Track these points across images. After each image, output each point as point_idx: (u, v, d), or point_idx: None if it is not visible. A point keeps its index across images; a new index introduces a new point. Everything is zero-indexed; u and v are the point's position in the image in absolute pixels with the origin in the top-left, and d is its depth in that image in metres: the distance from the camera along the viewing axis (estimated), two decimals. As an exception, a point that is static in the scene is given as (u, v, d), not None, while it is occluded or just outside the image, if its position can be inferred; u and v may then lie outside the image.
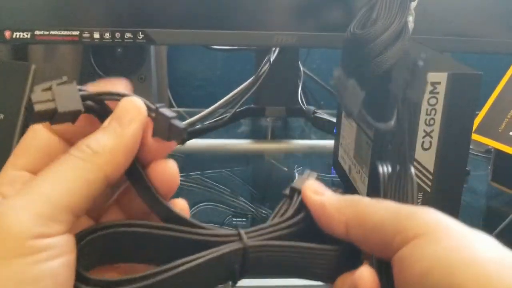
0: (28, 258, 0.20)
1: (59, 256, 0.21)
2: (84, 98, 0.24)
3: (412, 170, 0.29)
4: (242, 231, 0.26)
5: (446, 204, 0.50)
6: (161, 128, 0.25)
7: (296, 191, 0.29)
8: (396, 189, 0.29)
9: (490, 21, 0.68)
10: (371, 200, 0.27)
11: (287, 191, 0.30)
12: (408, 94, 0.26)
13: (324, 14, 0.66)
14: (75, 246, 0.23)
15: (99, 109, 0.25)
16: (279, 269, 0.27)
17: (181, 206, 0.28)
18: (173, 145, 0.26)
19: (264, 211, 0.59)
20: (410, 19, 0.49)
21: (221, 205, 0.64)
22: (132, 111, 0.24)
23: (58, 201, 0.22)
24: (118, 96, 0.25)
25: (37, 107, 0.22)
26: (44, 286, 0.21)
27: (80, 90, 0.24)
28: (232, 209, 0.62)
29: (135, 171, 0.26)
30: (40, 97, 0.22)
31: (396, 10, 0.48)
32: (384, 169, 0.30)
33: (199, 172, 0.69)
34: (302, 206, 0.29)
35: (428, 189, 0.50)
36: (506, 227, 0.53)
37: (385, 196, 0.29)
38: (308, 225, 0.28)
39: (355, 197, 0.28)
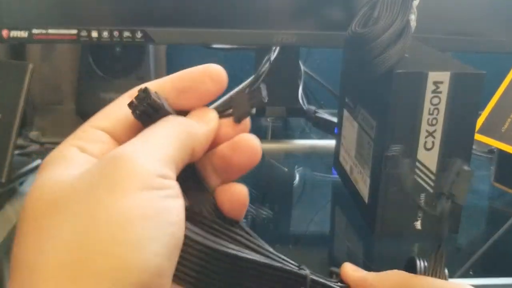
0: (155, 192, 0.22)
1: (177, 197, 0.23)
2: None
3: (446, 272, 0.31)
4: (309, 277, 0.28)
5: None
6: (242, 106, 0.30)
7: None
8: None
9: (493, 20, 0.68)
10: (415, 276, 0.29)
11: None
12: (453, 190, 0.30)
13: (325, 13, 0.65)
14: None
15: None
16: None
17: (239, 190, 0.28)
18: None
19: (264, 211, 0.59)
20: (412, 17, 0.48)
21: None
22: (210, 115, 0.28)
23: (170, 152, 0.24)
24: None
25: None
26: (163, 220, 0.22)
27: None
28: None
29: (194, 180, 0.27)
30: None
31: (398, 9, 0.48)
32: (421, 264, 0.32)
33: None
34: None
35: (430, 190, 0.49)
36: (509, 228, 0.53)
37: None
38: None
39: (396, 271, 0.30)
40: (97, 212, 0.21)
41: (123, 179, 0.21)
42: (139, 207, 0.21)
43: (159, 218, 0.21)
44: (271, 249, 0.28)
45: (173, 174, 0.23)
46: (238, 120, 0.29)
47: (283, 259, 0.28)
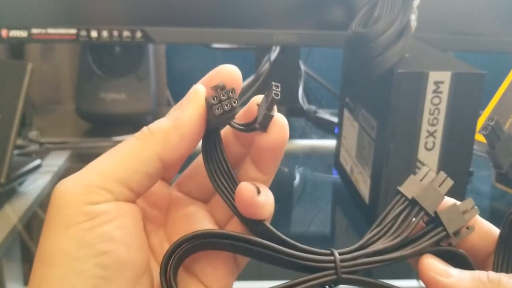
0: (83, 224, 0.23)
1: (113, 220, 0.23)
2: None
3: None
4: (337, 258, 0.26)
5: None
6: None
7: (418, 206, 0.27)
8: None
9: (494, 20, 0.68)
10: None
11: (408, 197, 0.27)
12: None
13: (325, 12, 0.65)
14: (133, 210, 0.25)
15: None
16: None
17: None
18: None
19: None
20: (413, 17, 0.48)
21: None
22: (190, 97, 0.26)
23: (109, 173, 0.24)
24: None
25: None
26: (101, 248, 0.23)
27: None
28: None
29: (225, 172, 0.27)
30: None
31: (399, 9, 0.47)
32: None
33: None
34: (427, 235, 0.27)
35: (431, 190, 0.49)
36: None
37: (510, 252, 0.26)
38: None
39: (495, 276, 0.24)
40: (37, 252, 0.23)
41: (50, 219, 0.23)
42: (62, 247, 0.23)
43: (96, 247, 0.23)
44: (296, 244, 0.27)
45: (109, 195, 0.24)
46: (264, 129, 0.28)
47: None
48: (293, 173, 0.72)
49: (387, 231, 0.27)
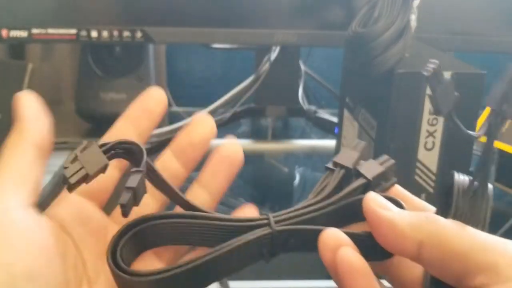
0: None
1: None
2: (106, 152, 0.27)
3: (491, 189, 0.26)
4: (271, 216, 0.27)
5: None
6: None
7: (339, 167, 0.29)
8: (469, 207, 0.25)
9: (494, 20, 0.68)
10: (452, 222, 0.24)
11: (329, 165, 0.29)
12: (505, 108, 0.24)
13: (325, 12, 0.65)
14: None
15: (123, 153, 0.28)
16: (308, 247, 0.27)
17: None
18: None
19: (264, 212, 0.59)
20: (413, 17, 0.48)
21: (221, 206, 0.63)
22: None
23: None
24: (130, 145, 0.27)
25: (72, 180, 0.25)
26: None
27: (101, 146, 0.27)
28: (232, 210, 0.62)
29: (152, 170, 0.28)
30: (71, 171, 0.25)
31: (399, 9, 0.47)
32: (461, 179, 0.27)
33: (199, 173, 0.68)
34: (342, 183, 0.28)
35: (431, 190, 0.49)
36: (510, 228, 0.53)
37: (456, 211, 0.25)
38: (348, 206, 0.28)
39: (431, 215, 0.25)
40: None
41: None
42: None
43: None
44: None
45: None
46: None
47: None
48: (293, 173, 0.72)
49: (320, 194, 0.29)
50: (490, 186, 0.26)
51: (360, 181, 0.28)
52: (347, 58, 0.60)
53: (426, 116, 0.48)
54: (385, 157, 0.30)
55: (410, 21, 0.48)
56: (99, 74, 0.76)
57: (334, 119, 0.73)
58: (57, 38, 0.62)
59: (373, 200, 0.26)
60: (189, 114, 0.78)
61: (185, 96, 0.93)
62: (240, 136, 0.82)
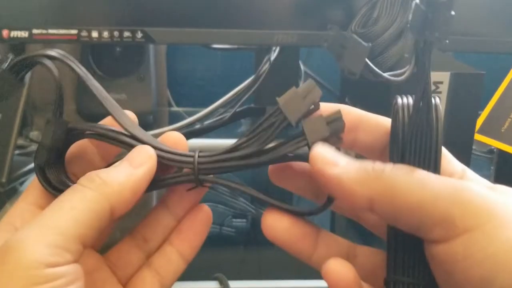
0: (43, 286, 0.21)
1: (71, 284, 0.22)
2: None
3: (437, 100, 0.24)
4: (196, 159, 0.27)
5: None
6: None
7: (282, 116, 0.26)
8: (417, 131, 0.24)
9: (493, 20, 0.68)
10: (401, 172, 0.22)
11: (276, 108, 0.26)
12: (427, 35, 0.24)
13: (325, 13, 0.65)
14: (83, 274, 0.23)
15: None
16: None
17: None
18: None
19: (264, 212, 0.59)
20: (412, 17, 0.48)
21: (221, 206, 0.63)
22: (143, 156, 0.26)
23: (68, 231, 0.22)
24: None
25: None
26: None
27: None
28: (232, 209, 0.62)
29: None
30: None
31: (398, 9, 0.48)
32: (404, 101, 0.25)
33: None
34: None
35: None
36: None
37: (404, 140, 0.24)
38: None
39: (380, 166, 0.23)
40: None
41: (8, 277, 0.21)
42: None
43: None
44: None
45: (69, 256, 0.22)
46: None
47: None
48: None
49: (256, 140, 0.27)
50: (436, 102, 0.24)
51: (301, 142, 0.26)
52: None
53: (426, 116, 0.48)
54: (336, 111, 0.26)
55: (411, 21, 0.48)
56: (100, 74, 0.76)
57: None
58: (57, 38, 0.62)
59: (319, 156, 0.24)
60: (189, 114, 0.79)
61: (185, 96, 0.93)
62: (240, 136, 0.82)
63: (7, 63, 0.26)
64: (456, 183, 0.22)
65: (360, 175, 0.23)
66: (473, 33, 0.68)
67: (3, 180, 0.57)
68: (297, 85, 0.26)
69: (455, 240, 0.20)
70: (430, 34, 0.23)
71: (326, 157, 0.24)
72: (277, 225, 0.27)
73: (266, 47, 0.75)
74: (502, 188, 0.23)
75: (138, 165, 0.25)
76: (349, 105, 0.61)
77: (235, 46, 0.79)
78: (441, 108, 0.47)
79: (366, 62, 0.25)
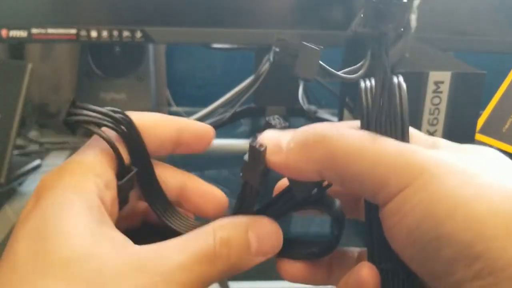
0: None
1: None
2: None
3: (400, 79, 0.24)
4: None
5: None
6: None
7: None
8: (381, 112, 0.23)
9: (493, 20, 0.68)
10: (342, 140, 0.22)
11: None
12: (382, 27, 0.23)
13: (325, 12, 0.65)
14: None
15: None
16: None
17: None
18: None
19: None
20: (413, 17, 0.48)
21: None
22: (273, 242, 0.26)
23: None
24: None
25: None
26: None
27: None
28: (232, 209, 0.62)
29: (148, 173, 0.26)
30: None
31: (398, 9, 0.47)
32: (367, 83, 0.25)
33: (198, 172, 0.68)
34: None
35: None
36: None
37: (369, 121, 0.23)
38: None
39: (320, 135, 0.22)
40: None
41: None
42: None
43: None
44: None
45: None
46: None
47: None
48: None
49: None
50: (399, 80, 0.24)
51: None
52: (347, 59, 0.60)
53: (427, 116, 0.48)
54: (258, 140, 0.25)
55: (410, 21, 0.48)
56: (99, 74, 0.76)
57: (334, 119, 0.73)
58: (57, 38, 0.62)
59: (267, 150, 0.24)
60: (189, 114, 0.78)
61: (185, 96, 0.93)
62: (240, 136, 0.82)
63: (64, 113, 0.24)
64: (397, 147, 0.22)
65: (304, 150, 0.23)
66: (473, 33, 0.68)
67: (2, 180, 0.57)
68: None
69: (391, 201, 0.21)
70: (384, 26, 0.22)
71: (271, 145, 0.24)
72: (293, 270, 0.27)
73: (266, 46, 0.75)
74: (446, 144, 0.23)
75: (262, 253, 0.25)
76: (349, 105, 0.61)
77: (235, 46, 0.79)
78: (442, 108, 0.47)
79: (320, 65, 0.25)
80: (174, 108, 0.88)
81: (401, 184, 0.20)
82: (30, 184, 0.63)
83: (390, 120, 0.23)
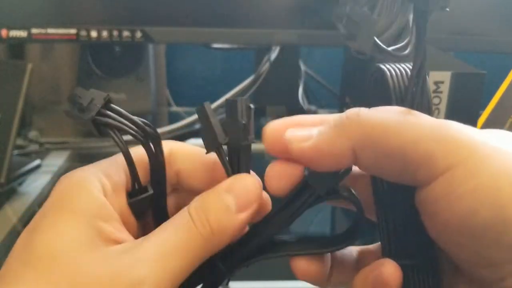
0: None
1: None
2: None
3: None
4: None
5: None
6: None
7: None
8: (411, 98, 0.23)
9: (493, 20, 0.68)
10: (380, 115, 0.21)
11: None
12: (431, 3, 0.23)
13: (325, 12, 0.65)
14: None
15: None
16: None
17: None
18: None
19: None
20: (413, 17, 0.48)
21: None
22: (252, 194, 0.24)
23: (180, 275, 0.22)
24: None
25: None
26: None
27: None
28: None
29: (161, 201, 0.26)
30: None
31: (398, 9, 0.47)
32: (391, 69, 0.24)
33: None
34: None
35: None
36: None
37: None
38: None
39: (354, 112, 0.22)
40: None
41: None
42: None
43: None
44: None
45: None
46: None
47: None
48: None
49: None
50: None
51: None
52: (347, 58, 0.61)
53: (426, 116, 0.48)
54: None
55: (410, 21, 0.48)
56: (99, 74, 0.76)
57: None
58: (56, 38, 0.62)
59: (292, 137, 0.23)
60: (189, 114, 0.78)
61: (185, 96, 0.93)
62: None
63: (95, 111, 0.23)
64: (438, 122, 0.21)
65: (339, 127, 0.22)
66: (473, 33, 0.68)
67: (2, 180, 0.57)
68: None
69: (438, 179, 0.20)
70: (433, 2, 0.22)
71: (297, 134, 0.23)
72: (309, 269, 0.26)
73: (266, 46, 0.75)
74: (487, 130, 0.22)
75: (245, 207, 0.24)
76: (349, 105, 0.61)
77: (235, 46, 0.79)
78: (442, 108, 0.47)
79: (374, 40, 0.25)
80: (174, 108, 0.88)
81: (449, 162, 0.19)
82: (30, 184, 0.63)
83: (421, 104, 0.23)
